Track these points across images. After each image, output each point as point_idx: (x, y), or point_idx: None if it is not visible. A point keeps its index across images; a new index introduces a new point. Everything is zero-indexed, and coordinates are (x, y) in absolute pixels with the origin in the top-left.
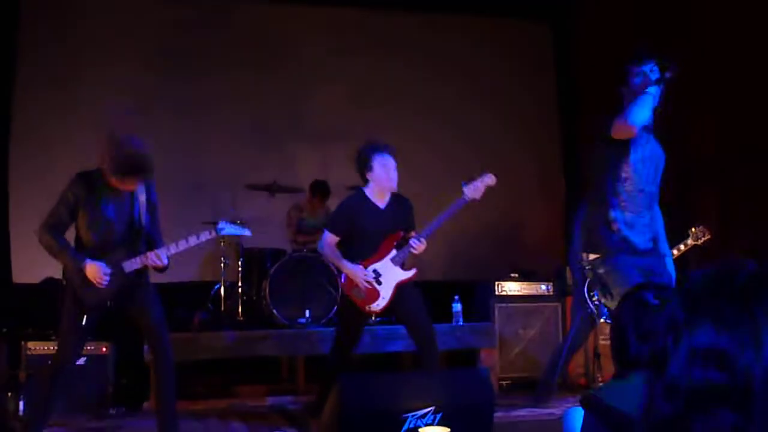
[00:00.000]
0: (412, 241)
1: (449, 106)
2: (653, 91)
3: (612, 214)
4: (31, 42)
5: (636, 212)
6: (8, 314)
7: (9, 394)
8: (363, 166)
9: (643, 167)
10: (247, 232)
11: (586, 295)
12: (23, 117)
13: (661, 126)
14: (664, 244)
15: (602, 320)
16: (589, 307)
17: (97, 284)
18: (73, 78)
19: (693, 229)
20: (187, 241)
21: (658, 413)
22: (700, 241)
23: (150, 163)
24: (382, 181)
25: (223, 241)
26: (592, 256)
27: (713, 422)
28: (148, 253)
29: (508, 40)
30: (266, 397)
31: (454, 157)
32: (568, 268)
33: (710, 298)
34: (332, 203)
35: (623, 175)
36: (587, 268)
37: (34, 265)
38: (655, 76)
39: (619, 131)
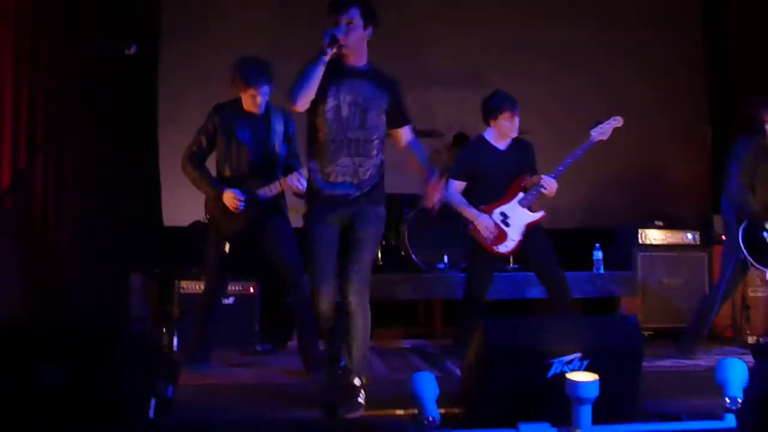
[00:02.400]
0: (543, 181)
1: (585, 53)
2: None
3: None
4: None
5: None
6: (160, 256)
7: (163, 329)
8: (488, 115)
9: None
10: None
11: (741, 241)
12: (168, 62)
13: None
14: None
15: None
16: (743, 253)
17: (233, 210)
18: (216, 19)
19: None
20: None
21: None
22: None
23: (267, 66)
24: (505, 130)
25: None
26: None
27: None
28: (286, 177)
29: None
30: (403, 339)
31: (590, 104)
32: (715, 217)
33: None
34: None
35: None
36: None
37: (183, 209)
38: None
39: None
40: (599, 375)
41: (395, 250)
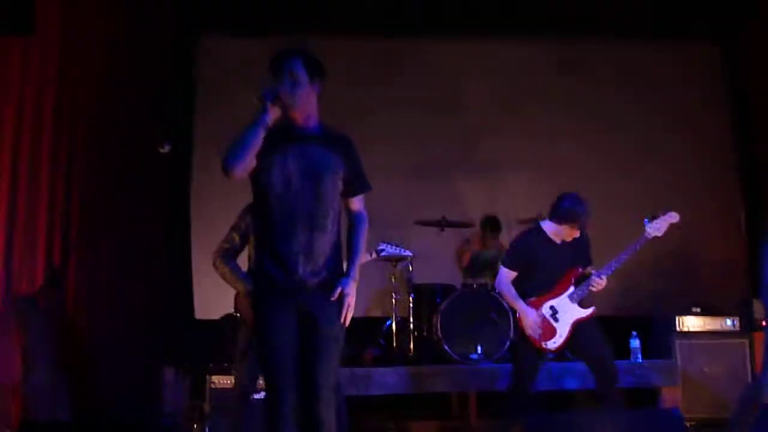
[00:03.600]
0: (593, 278)
1: (612, 134)
2: None
3: None
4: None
5: None
6: (191, 349)
7: (195, 425)
8: (555, 217)
9: None
10: (407, 252)
11: None
12: (201, 161)
13: None
14: None
15: None
16: None
17: None
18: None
19: None
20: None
21: None
22: None
23: None
24: (567, 235)
25: (394, 277)
26: None
27: None
28: None
29: (678, 62)
30: None
31: (628, 194)
32: (755, 301)
33: None
34: (503, 237)
35: None
36: None
37: (215, 301)
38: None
39: None
40: None
41: (427, 341)
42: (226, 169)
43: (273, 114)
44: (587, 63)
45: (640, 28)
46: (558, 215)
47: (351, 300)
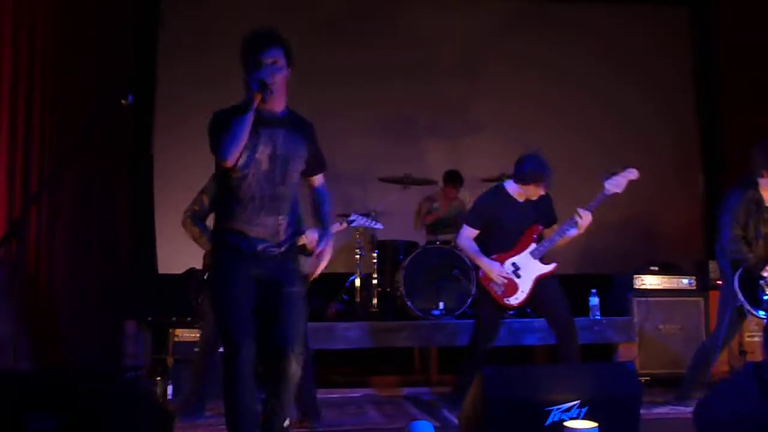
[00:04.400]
0: (558, 233)
1: (578, 95)
2: None
3: None
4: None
5: None
6: (154, 303)
7: (158, 378)
8: (518, 178)
9: None
10: (378, 225)
11: (737, 288)
12: (165, 118)
13: None
14: None
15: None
16: (739, 300)
17: None
18: (211, 79)
19: None
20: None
21: None
22: None
23: None
24: (530, 194)
25: (358, 234)
26: None
27: None
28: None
29: (643, 27)
30: (400, 387)
31: (582, 147)
32: (711, 262)
33: None
34: (466, 198)
35: None
36: None
37: (178, 256)
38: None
39: None
40: (597, 422)
41: (390, 297)
42: (224, 160)
43: (256, 101)
44: (554, 25)
45: None
46: (521, 177)
47: (327, 256)
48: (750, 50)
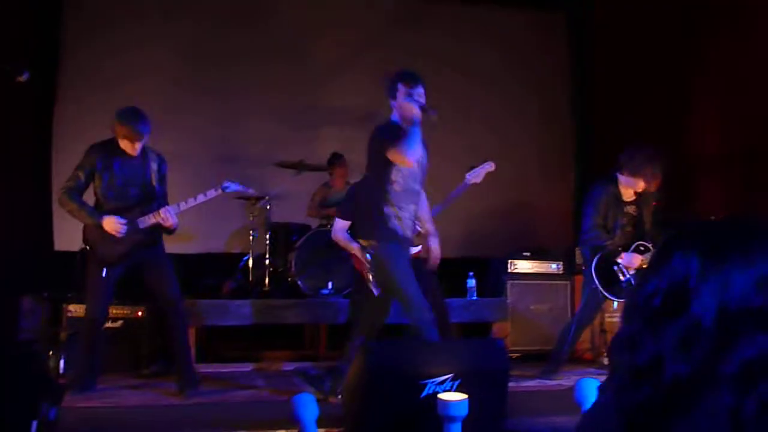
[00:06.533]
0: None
1: (464, 90)
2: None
3: None
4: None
5: None
6: (50, 279)
7: (50, 352)
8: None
9: None
10: (250, 191)
11: (594, 273)
12: (66, 94)
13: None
14: None
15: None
16: (594, 283)
17: (116, 234)
18: (114, 56)
19: None
20: (195, 198)
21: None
22: None
23: (147, 116)
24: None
25: (253, 216)
26: None
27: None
28: (160, 210)
29: (525, 30)
30: (290, 362)
31: (467, 140)
32: (577, 249)
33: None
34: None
35: None
36: None
37: (73, 234)
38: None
39: None
40: (468, 394)
41: (282, 276)
42: (412, 158)
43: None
44: (444, 23)
45: None
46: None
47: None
48: (619, 55)
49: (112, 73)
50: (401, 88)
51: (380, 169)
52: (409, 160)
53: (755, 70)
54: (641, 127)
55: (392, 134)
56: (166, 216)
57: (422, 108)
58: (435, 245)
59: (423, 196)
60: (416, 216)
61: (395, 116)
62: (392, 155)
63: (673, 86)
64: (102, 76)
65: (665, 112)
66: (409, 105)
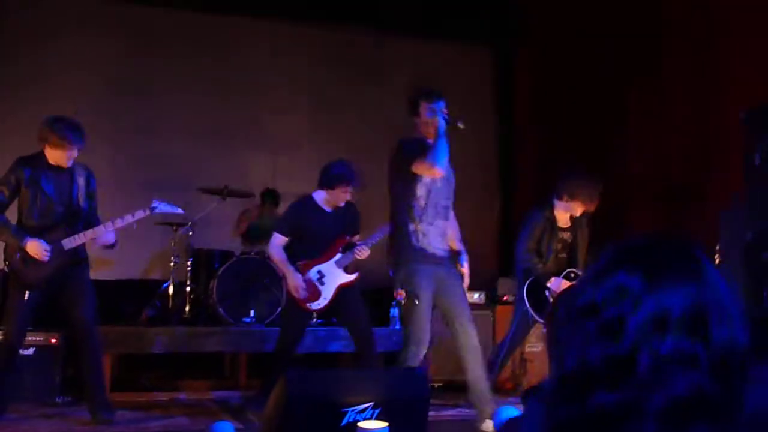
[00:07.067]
0: (357, 248)
1: (390, 117)
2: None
3: None
4: None
5: None
6: None
7: None
8: (325, 182)
9: None
10: (179, 210)
11: (525, 296)
12: None
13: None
14: None
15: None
16: (525, 305)
17: (39, 259)
18: (29, 73)
19: None
20: (122, 218)
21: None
22: None
23: (81, 128)
24: (337, 200)
25: (174, 242)
26: None
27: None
28: (87, 231)
29: (451, 64)
30: (209, 391)
31: None
32: (501, 279)
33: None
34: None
35: None
36: None
37: None
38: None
39: None
40: (389, 423)
41: (204, 303)
42: (441, 167)
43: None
44: (366, 57)
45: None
46: (329, 180)
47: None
48: (540, 88)
49: (35, 92)
50: (423, 105)
51: (404, 184)
52: (438, 169)
53: (673, 112)
54: (566, 159)
55: (417, 147)
56: (97, 235)
57: (447, 120)
58: (464, 265)
59: (452, 214)
60: (445, 233)
61: (418, 133)
62: (418, 167)
63: (597, 125)
64: (20, 97)
65: (589, 146)
66: (433, 119)
